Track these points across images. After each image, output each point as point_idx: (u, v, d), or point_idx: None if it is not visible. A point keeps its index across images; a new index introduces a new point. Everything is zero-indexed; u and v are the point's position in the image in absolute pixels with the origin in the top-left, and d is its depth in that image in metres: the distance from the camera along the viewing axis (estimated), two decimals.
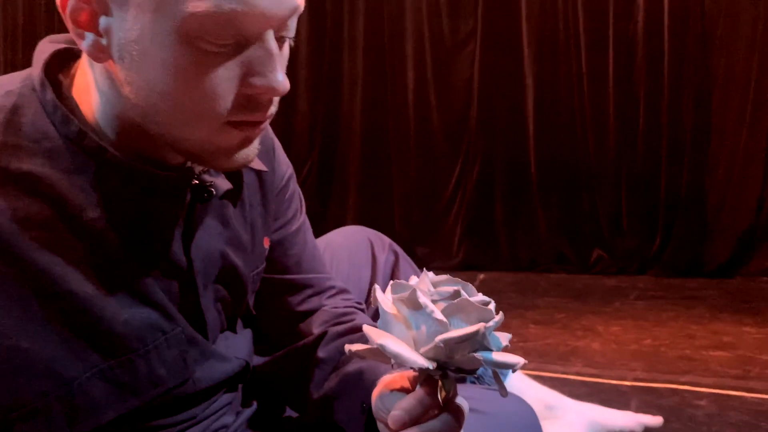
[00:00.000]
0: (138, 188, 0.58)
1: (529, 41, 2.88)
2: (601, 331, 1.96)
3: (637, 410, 1.35)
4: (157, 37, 0.50)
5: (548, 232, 2.93)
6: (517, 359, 0.51)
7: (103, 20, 0.51)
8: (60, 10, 0.52)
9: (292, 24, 0.55)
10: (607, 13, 2.75)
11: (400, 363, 0.51)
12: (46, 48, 0.60)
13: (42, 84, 0.56)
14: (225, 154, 0.56)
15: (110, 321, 0.56)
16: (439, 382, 0.53)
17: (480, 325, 0.49)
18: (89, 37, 0.52)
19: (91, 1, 0.50)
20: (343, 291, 0.83)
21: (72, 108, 0.56)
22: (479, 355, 0.49)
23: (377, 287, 0.53)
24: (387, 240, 1.09)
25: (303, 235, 0.81)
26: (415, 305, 0.50)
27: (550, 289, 2.55)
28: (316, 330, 0.76)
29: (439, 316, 0.49)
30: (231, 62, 0.51)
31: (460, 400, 0.55)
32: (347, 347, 0.55)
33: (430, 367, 0.49)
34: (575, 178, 2.88)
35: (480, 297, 0.51)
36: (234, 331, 0.71)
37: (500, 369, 0.52)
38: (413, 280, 0.53)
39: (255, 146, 0.58)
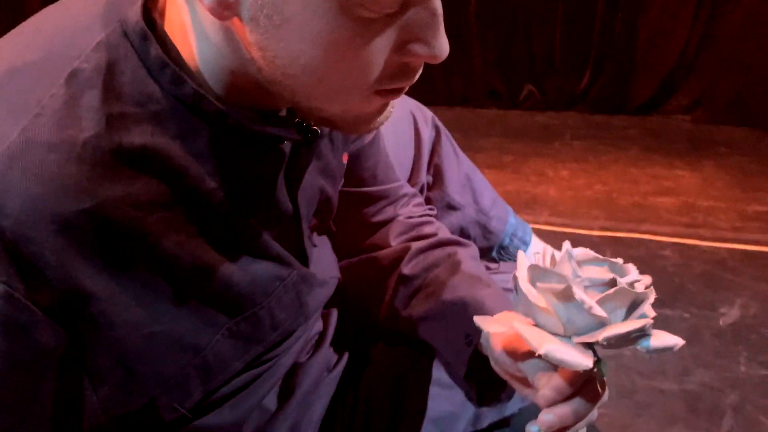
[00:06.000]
0: (251, 147, 0.51)
1: None
2: (551, 176, 2.06)
3: None
4: (310, 4, 0.39)
5: (483, 67, 2.92)
6: (675, 341, 0.46)
7: None
8: None
9: None
10: None
11: (561, 366, 0.46)
12: None
13: (143, 36, 0.45)
14: (365, 121, 0.49)
15: (238, 284, 0.52)
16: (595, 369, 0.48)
17: (645, 321, 0.44)
18: None
19: None
20: (414, 196, 0.82)
21: (175, 58, 0.46)
22: (639, 347, 0.45)
23: (518, 277, 0.47)
24: (429, 113, 1.05)
25: (377, 145, 0.77)
26: (568, 299, 0.44)
27: (487, 127, 2.60)
28: (394, 242, 0.75)
29: (599, 312, 0.44)
30: (390, 29, 0.42)
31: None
32: (479, 321, 0.51)
33: (591, 367, 0.44)
34: (512, 14, 2.83)
35: (632, 276, 0.46)
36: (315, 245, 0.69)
37: (657, 353, 0.47)
38: (546, 254, 0.47)
39: (391, 109, 0.51)
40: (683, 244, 1.55)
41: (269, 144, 0.53)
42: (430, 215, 0.81)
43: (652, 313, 0.45)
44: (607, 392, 0.51)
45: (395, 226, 0.77)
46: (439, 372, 0.76)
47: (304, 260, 0.62)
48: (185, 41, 0.46)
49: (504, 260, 1.15)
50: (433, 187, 1.06)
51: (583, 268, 0.45)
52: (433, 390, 0.76)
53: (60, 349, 0.44)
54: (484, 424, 0.85)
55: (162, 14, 0.48)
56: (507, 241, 1.11)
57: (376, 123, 0.50)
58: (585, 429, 0.52)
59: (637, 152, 2.28)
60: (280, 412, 0.68)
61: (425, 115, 1.04)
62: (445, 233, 0.77)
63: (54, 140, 0.42)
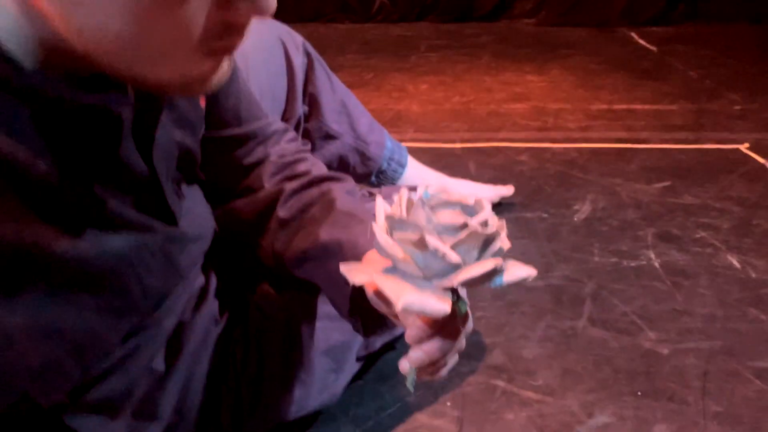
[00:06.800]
0: (82, 118, 0.46)
1: None
2: (412, 90, 2.09)
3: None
4: None
5: None
6: (527, 272, 0.47)
7: None
8: None
9: None
10: None
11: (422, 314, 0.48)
12: None
13: None
14: (198, 83, 0.46)
15: (92, 261, 0.49)
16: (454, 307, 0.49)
17: (496, 261, 0.45)
18: None
19: None
20: (284, 132, 0.80)
21: None
22: (494, 284, 0.46)
23: (375, 226, 0.48)
24: (299, 39, 1.02)
25: (237, 82, 0.73)
26: (424, 247, 0.45)
27: (344, 42, 2.57)
28: (267, 183, 0.74)
29: (454, 258, 0.44)
30: None
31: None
32: (344, 271, 0.49)
33: (449, 310, 0.45)
34: None
35: (483, 215, 0.46)
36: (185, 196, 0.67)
37: (511, 283, 0.47)
38: (402, 199, 0.48)
39: (227, 65, 0.47)
40: (537, 148, 1.66)
41: (103, 112, 0.48)
42: (303, 150, 0.79)
43: (507, 245, 0.46)
44: (470, 322, 0.54)
45: (268, 166, 0.75)
46: (325, 306, 0.77)
47: (171, 219, 0.59)
48: None
49: (384, 184, 1.17)
50: (310, 117, 1.04)
51: (436, 213, 0.46)
52: (322, 323, 0.78)
53: None
54: (377, 346, 0.89)
55: None
56: (385, 165, 1.13)
57: (211, 83, 0.46)
58: (456, 357, 0.56)
59: (489, 60, 2.35)
60: (170, 372, 0.67)
61: (296, 41, 1.00)
62: (318, 169, 0.76)
63: None
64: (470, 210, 0.46)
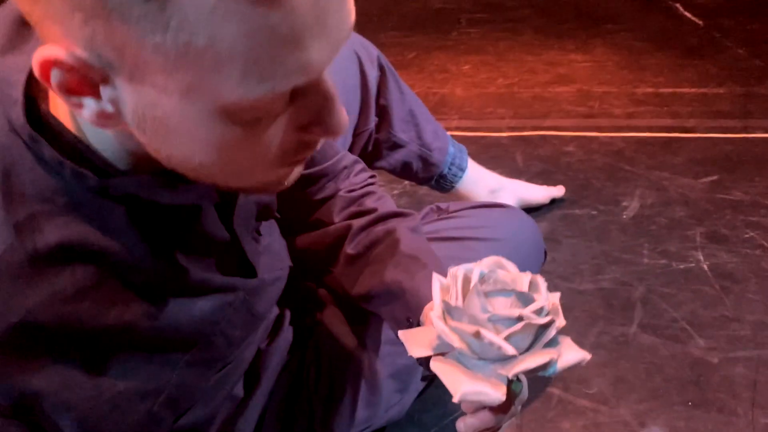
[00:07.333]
0: (170, 212, 0.51)
1: None
2: (454, 71, 2.10)
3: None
4: (189, 118, 0.39)
5: None
6: (581, 356, 0.48)
7: (105, 91, 0.38)
8: (42, 80, 0.37)
9: None
10: None
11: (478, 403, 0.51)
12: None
13: (33, 138, 0.43)
14: (274, 185, 0.50)
15: (185, 326, 0.54)
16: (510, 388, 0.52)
17: (551, 355, 0.47)
18: (89, 104, 0.39)
19: (82, 69, 0.36)
20: (354, 164, 0.83)
21: (71, 147, 0.44)
22: (548, 373, 0.48)
23: (434, 317, 0.49)
24: (374, 51, 1.04)
25: None
26: (479, 338, 0.46)
27: (382, 16, 2.56)
28: (336, 217, 0.78)
29: (510, 350, 0.46)
30: (283, 117, 0.42)
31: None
32: (403, 339, 0.53)
33: (503, 399, 0.47)
34: None
35: (538, 303, 0.47)
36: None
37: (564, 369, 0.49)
38: (457, 279, 0.49)
39: (301, 166, 0.52)
40: (584, 138, 1.67)
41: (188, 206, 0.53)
42: (371, 183, 0.83)
43: (563, 323, 0.48)
44: (525, 392, 0.56)
45: (337, 201, 0.79)
46: (390, 332, 0.82)
47: (251, 272, 0.63)
48: (77, 123, 0.45)
49: (443, 188, 1.21)
50: (380, 128, 1.08)
51: (490, 300, 0.48)
52: (387, 348, 0.82)
53: None
54: None
55: (46, 94, 0.45)
56: (446, 170, 1.17)
57: (286, 184, 0.50)
58: (512, 420, 0.58)
59: (531, 36, 2.33)
60: (249, 397, 0.73)
61: (371, 54, 1.03)
62: (384, 206, 0.79)
63: None
64: (525, 297, 0.48)
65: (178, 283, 0.53)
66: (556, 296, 0.50)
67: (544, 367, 0.47)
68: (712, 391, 0.97)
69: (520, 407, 0.55)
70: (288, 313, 0.79)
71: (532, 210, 1.36)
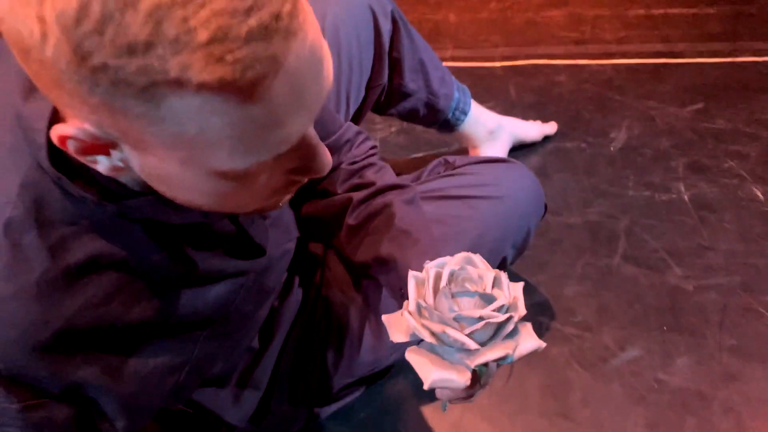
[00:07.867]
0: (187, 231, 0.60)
1: None
2: None
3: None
4: (188, 178, 0.46)
5: None
6: (536, 345, 0.55)
7: (115, 153, 0.45)
8: (60, 147, 0.44)
9: None
10: None
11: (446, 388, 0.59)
12: (17, 86, 0.50)
13: (58, 177, 0.49)
14: (270, 209, 0.58)
15: (203, 311, 0.63)
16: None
17: (507, 350, 0.54)
18: (102, 161, 0.46)
19: (93, 139, 0.43)
20: (356, 137, 0.87)
21: (93, 180, 0.51)
22: (506, 362, 0.55)
23: (408, 315, 0.55)
24: (389, 6, 1.06)
25: None
26: (447, 335, 0.54)
27: None
28: (339, 188, 0.83)
29: (472, 346, 0.53)
30: (274, 166, 0.49)
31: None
32: (386, 322, 0.60)
33: (468, 383, 0.55)
34: None
35: (498, 302, 0.54)
36: None
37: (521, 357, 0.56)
38: (430, 273, 0.56)
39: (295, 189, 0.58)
40: (574, 66, 1.70)
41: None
42: (373, 155, 0.87)
43: (523, 313, 0.55)
44: (493, 370, 0.63)
45: (340, 173, 0.84)
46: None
47: (260, 251, 0.69)
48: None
49: (446, 130, 1.28)
50: (391, 79, 1.12)
51: (456, 300, 0.56)
52: (388, 300, 0.89)
53: (73, 416, 0.55)
54: None
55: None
56: (450, 115, 1.23)
57: (280, 205, 0.58)
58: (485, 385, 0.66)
59: None
60: (266, 350, 0.82)
61: (385, 8, 1.04)
62: (384, 178, 0.83)
63: (11, 291, 0.48)
64: (488, 297, 0.56)
65: (192, 276, 0.60)
66: (518, 288, 0.57)
67: (503, 358, 0.56)
68: (685, 316, 1.08)
69: (489, 381, 0.64)
70: (297, 278, 0.88)
71: (525, 145, 1.43)
